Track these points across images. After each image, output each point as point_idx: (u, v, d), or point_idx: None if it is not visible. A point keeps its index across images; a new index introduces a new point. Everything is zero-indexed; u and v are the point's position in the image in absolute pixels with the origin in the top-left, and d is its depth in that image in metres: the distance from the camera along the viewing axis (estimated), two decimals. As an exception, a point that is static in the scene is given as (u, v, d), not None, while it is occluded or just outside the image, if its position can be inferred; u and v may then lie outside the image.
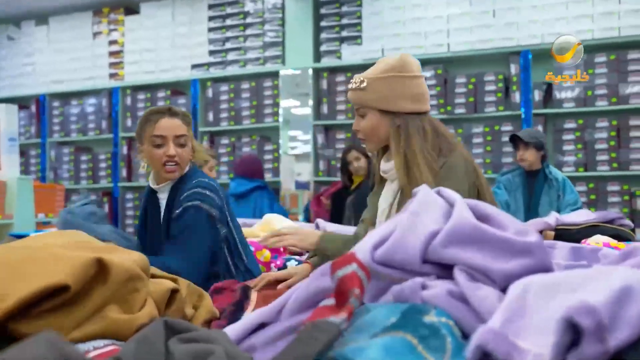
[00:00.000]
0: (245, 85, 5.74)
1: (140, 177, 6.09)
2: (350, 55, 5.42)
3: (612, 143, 4.71)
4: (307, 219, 4.98)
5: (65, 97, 6.52)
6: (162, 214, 2.08)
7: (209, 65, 5.90)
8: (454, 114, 5.11)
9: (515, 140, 3.73)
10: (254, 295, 1.48)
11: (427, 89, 1.84)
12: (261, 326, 1.06)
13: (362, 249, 0.98)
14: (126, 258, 1.13)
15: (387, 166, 1.86)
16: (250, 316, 1.06)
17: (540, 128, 4.83)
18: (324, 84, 5.51)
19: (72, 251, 1.09)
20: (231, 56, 5.83)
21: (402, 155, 1.75)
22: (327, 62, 5.52)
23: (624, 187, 4.66)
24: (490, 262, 0.93)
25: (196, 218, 1.98)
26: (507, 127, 4.97)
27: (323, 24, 5.55)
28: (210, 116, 5.87)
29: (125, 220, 6.12)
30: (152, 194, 2.16)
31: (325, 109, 5.50)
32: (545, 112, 4.89)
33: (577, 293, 0.79)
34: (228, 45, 5.83)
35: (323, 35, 5.54)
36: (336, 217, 4.46)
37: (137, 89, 6.21)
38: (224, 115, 5.83)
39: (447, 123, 5.14)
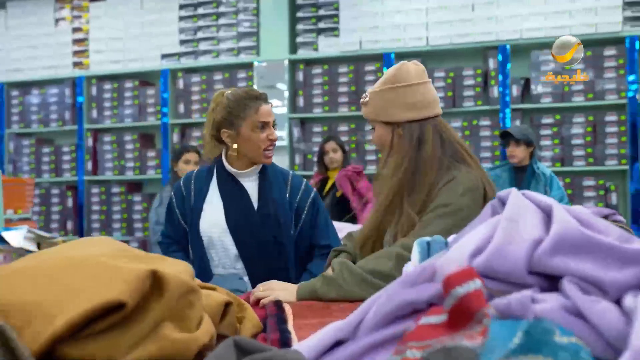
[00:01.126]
0: (218, 77, 5.58)
1: (107, 170, 5.85)
2: (327, 47, 5.33)
3: (588, 139, 4.77)
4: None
5: (25, 86, 6.21)
6: (253, 197, 2.14)
7: (180, 55, 5.71)
8: (432, 108, 5.07)
9: (506, 136, 3.72)
10: (286, 306, 1.38)
11: (432, 94, 1.79)
12: (336, 343, 0.97)
13: (456, 260, 0.89)
14: (179, 269, 1.01)
15: None
16: (325, 333, 0.96)
17: (518, 123, 4.85)
18: (300, 76, 5.39)
19: (122, 262, 0.97)
20: (203, 46, 5.65)
21: (385, 161, 1.79)
22: (303, 53, 5.41)
23: (599, 182, 4.73)
24: (602, 272, 0.86)
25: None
26: (486, 122, 4.97)
27: (299, 14, 5.43)
28: (182, 108, 5.68)
29: (91, 216, 5.87)
30: (225, 178, 2.17)
31: (301, 101, 5.39)
32: (523, 107, 4.92)
33: None
34: (200, 34, 5.65)
35: (299, 27, 5.43)
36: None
37: (103, 78, 5.96)
38: (195, 107, 5.65)
39: (426, 117, 5.10)
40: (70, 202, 5.95)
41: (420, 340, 0.81)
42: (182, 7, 5.70)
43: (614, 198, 4.71)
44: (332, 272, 1.60)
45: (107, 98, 5.87)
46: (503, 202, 1.02)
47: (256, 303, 1.52)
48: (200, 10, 5.65)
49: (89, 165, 5.91)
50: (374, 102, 1.77)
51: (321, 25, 5.37)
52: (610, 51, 4.72)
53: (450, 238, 1.14)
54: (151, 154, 5.76)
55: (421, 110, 1.74)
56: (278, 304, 1.39)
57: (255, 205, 2.13)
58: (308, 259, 2.21)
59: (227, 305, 1.10)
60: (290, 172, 2.27)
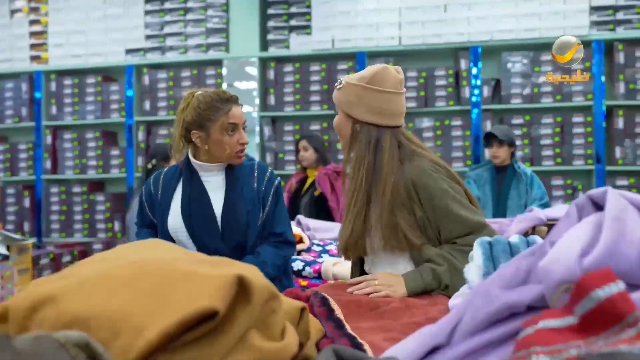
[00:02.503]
0: (185, 73, 5.44)
1: (67, 169, 5.62)
2: (298, 45, 5.27)
3: (557, 139, 4.89)
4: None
5: (-22, 80, 5.89)
6: (219, 192, 2.13)
7: (146, 50, 5.53)
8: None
9: (489, 137, 3.77)
10: (335, 305, 1.33)
11: (399, 106, 1.84)
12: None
13: (564, 260, 0.87)
14: (255, 274, 0.95)
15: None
16: (419, 338, 0.92)
17: (488, 123, 4.93)
18: (271, 74, 5.32)
19: (201, 268, 0.90)
20: (170, 42, 5.50)
21: (348, 158, 1.84)
22: (274, 51, 5.33)
23: (567, 182, 4.85)
24: None
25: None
26: (457, 122, 5.03)
27: (270, 11, 5.36)
28: (147, 105, 5.51)
29: (50, 216, 5.63)
30: (189, 177, 2.15)
31: (272, 100, 5.31)
32: (494, 108, 4.99)
33: None
34: (167, 29, 5.49)
35: (270, 24, 5.35)
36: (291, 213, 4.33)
37: (63, 73, 5.72)
38: (162, 104, 5.50)
39: (398, 117, 5.12)
40: (27, 202, 5.69)
41: (545, 345, 0.78)
42: (147, 0, 5.53)
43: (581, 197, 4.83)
44: (435, 265, 1.60)
45: (67, 94, 5.63)
46: (593, 201, 1.00)
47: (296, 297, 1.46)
48: (167, 5, 5.50)
49: (48, 164, 5.66)
50: (345, 91, 1.80)
51: (293, 22, 5.31)
52: (576, 54, 4.83)
53: (534, 238, 1.12)
54: (114, 152, 5.57)
55: (383, 118, 1.79)
56: (325, 302, 1.33)
57: (222, 201, 2.13)
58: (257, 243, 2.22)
59: (302, 310, 1.04)
60: (256, 160, 2.29)
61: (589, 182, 4.92)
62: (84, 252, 5.40)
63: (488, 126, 4.89)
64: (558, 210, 3.04)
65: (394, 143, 1.79)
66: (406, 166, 1.76)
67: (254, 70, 5.34)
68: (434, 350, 0.93)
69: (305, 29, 5.29)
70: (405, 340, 0.95)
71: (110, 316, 0.82)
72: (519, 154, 4.91)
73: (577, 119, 4.85)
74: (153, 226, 2.25)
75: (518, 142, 4.92)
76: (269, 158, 5.31)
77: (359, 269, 1.90)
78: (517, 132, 4.92)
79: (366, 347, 1.07)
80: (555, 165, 4.87)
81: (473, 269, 1.21)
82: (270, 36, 5.35)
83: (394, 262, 1.76)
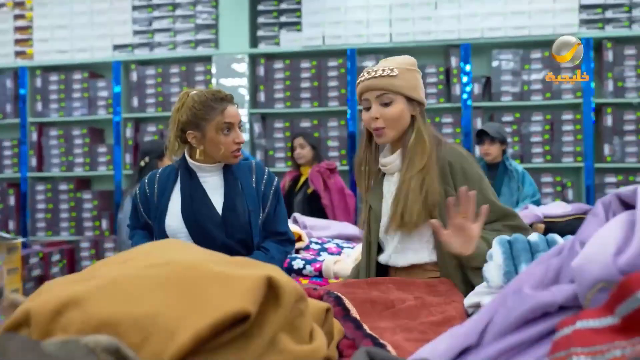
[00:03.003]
0: (174, 70, 5.38)
1: (53, 167, 5.53)
2: (289, 41, 5.24)
3: (546, 136, 4.91)
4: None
5: (-40, 76, 5.77)
6: (218, 192, 2.11)
7: (134, 46, 5.46)
8: (395, 105, 5.08)
9: (481, 134, 3.78)
10: (350, 304, 1.31)
11: None
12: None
13: (599, 259, 0.86)
14: (285, 275, 0.92)
15: (390, 159, 1.90)
16: (451, 338, 0.91)
17: (479, 121, 4.94)
18: (261, 71, 5.28)
19: (229, 269, 0.88)
20: (159, 38, 5.43)
21: (414, 138, 1.84)
22: (264, 48, 5.29)
23: (556, 179, 4.89)
24: None
25: None
26: (448, 119, 5.03)
27: (260, 7, 5.32)
28: (135, 101, 5.44)
29: (36, 215, 5.54)
30: (187, 177, 2.12)
31: (262, 96, 5.28)
32: (484, 105, 5.01)
33: None
34: (156, 25, 5.43)
35: (260, 20, 5.31)
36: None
37: (48, 69, 5.63)
38: (150, 100, 5.43)
39: (388, 114, 5.12)
40: (12, 201, 5.59)
41: (585, 345, 0.77)
42: (135, -4, 5.46)
43: (570, 194, 4.88)
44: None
45: (53, 90, 5.54)
46: (621, 200, 0.99)
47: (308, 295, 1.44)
48: (156, 0, 5.43)
49: (33, 161, 5.57)
50: (404, 77, 1.82)
51: (283, 19, 5.28)
52: (577, 54, 4.86)
53: (552, 237, 1.11)
54: (102, 149, 5.49)
55: (425, 99, 1.92)
56: (340, 302, 1.30)
57: (222, 200, 2.11)
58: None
59: (327, 311, 1.02)
60: (253, 160, 2.30)
61: (578, 179, 4.96)
62: (72, 250, 5.33)
63: (478, 123, 4.90)
64: (554, 207, 3.05)
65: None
66: (441, 148, 1.83)
67: (243, 67, 5.30)
68: (465, 350, 0.92)
69: (296, 25, 5.26)
70: (435, 340, 0.93)
71: (140, 319, 0.79)
72: (509, 151, 4.93)
73: (567, 116, 4.88)
74: (147, 227, 2.21)
75: (508, 140, 4.94)
76: (259, 155, 5.27)
77: (374, 265, 1.85)
78: (507, 129, 4.94)
79: (389, 347, 1.05)
80: (544, 162, 4.90)
81: (493, 268, 1.20)
82: (260, 32, 5.31)
83: (419, 249, 1.76)
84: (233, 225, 2.07)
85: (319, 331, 0.94)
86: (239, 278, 0.85)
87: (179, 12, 5.41)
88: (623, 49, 4.81)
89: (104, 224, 5.44)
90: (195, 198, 2.09)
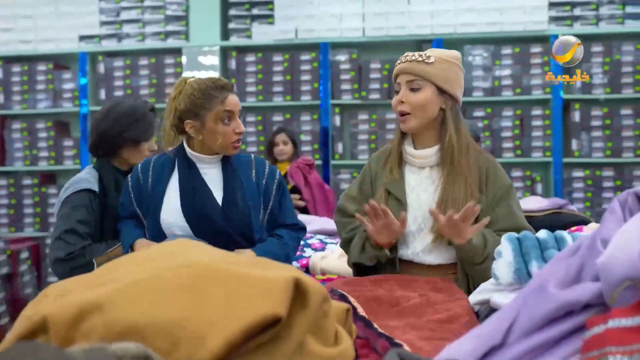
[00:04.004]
0: (143, 62, 5.26)
1: (17, 161, 5.35)
2: (261, 35, 5.18)
3: (516, 131, 4.99)
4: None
5: None
6: (217, 185, 2.05)
7: (101, 37, 5.32)
8: (368, 100, 5.09)
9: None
10: (355, 302, 1.29)
11: None
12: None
13: (626, 257, 0.86)
14: (308, 277, 0.90)
15: (426, 152, 1.88)
16: (476, 338, 0.90)
17: (451, 115, 4.98)
18: (233, 64, 5.21)
19: (253, 270, 0.85)
20: (127, 29, 5.30)
21: (456, 137, 1.85)
22: (236, 40, 5.22)
23: (526, 173, 4.97)
24: None
25: None
26: (420, 114, 5.05)
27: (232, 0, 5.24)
28: (103, 94, 5.31)
29: (-1, 210, 5.36)
30: (185, 168, 2.06)
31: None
32: (456, 100, 5.04)
33: None
34: (124, 16, 5.29)
35: (232, 12, 5.23)
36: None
37: (11, 60, 5.43)
38: (119, 93, 5.29)
39: (361, 108, 5.13)
40: (-29, 196, 5.39)
41: (621, 344, 0.77)
42: (102, -15, 5.31)
43: (539, 188, 4.97)
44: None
45: (16, 82, 5.35)
46: (638, 197, 1.00)
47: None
48: (123, -10, 5.30)
49: (-5, 155, 5.38)
50: (440, 67, 1.81)
51: (255, 11, 5.21)
52: (536, 48, 4.95)
53: (561, 233, 1.12)
54: (68, 143, 5.34)
55: (461, 97, 1.89)
56: (345, 300, 1.29)
57: (221, 194, 2.05)
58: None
59: (347, 311, 1.00)
60: (252, 155, 2.22)
61: (547, 173, 5.05)
62: (37, 247, 5.18)
63: (451, 118, 4.94)
64: (531, 202, 3.10)
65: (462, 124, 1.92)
66: (479, 154, 1.89)
67: (214, 60, 5.21)
68: (490, 350, 0.91)
69: (268, 18, 5.20)
70: (460, 340, 0.93)
71: (167, 325, 0.76)
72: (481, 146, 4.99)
73: (536, 112, 4.96)
74: (135, 217, 2.12)
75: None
76: (230, 149, 5.21)
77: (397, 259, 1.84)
78: (479, 124, 4.99)
79: (406, 347, 1.04)
80: (515, 157, 4.97)
81: (502, 265, 1.20)
82: (231, 25, 5.23)
83: (449, 248, 1.78)
84: (234, 220, 2.02)
85: (344, 333, 0.92)
86: (265, 280, 0.82)
87: (147, 2, 5.29)
88: (590, 46, 4.91)
89: (71, 219, 5.29)
90: (197, 190, 2.02)
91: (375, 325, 1.16)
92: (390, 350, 0.81)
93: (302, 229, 2.18)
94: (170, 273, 0.83)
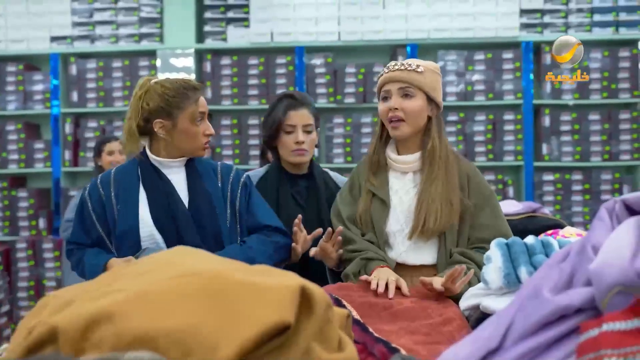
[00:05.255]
0: (117, 64, 5.20)
1: (11, 163, 5.21)
2: (236, 37, 5.17)
3: (489, 136, 5.07)
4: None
5: None
6: (182, 191, 2.02)
7: (73, 38, 5.25)
8: (343, 103, 5.12)
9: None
10: (349, 307, 1.32)
11: None
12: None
13: (617, 263, 0.89)
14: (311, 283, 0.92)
15: (408, 157, 1.95)
16: (473, 342, 0.93)
17: (425, 120, 5.04)
18: (208, 67, 5.19)
19: (258, 278, 0.86)
20: (100, 30, 5.24)
21: (439, 144, 1.93)
22: (211, 43, 5.21)
23: (498, 177, 5.06)
24: None
25: None
26: (395, 118, 5.10)
27: (207, 2, 5.22)
28: (75, 96, 5.23)
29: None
30: (149, 174, 2.02)
31: (209, 93, 5.18)
32: (430, 105, 5.10)
33: None
34: (97, 17, 5.23)
35: (207, 15, 5.21)
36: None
37: (-21, 60, 5.32)
38: (91, 95, 5.23)
39: (337, 112, 5.16)
40: (-58, 200, 5.26)
41: (618, 347, 0.80)
42: (74, -15, 5.24)
43: (511, 192, 5.06)
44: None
45: (-15, 83, 5.25)
46: (626, 205, 1.04)
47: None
48: (96, -9, 5.24)
49: (-33, 158, 5.25)
50: (429, 76, 1.90)
51: (230, 14, 5.21)
52: (508, 54, 5.05)
53: (547, 239, 1.15)
54: (38, 145, 5.25)
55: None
56: (339, 304, 1.31)
57: (186, 200, 2.00)
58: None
59: (347, 317, 1.02)
60: (218, 163, 2.17)
61: (518, 177, 5.15)
62: (7, 251, 5.08)
63: (425, 123, 5.00)
64: (506, 206, 3.13)
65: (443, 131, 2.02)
66: (460, 160, 1.96)
67: (189, 62, 5.19)
68: (486, 354, 0.94)
69: (243, 21, 5.20)
70: (457, 345, 0.95)
71: (178, 334, 0.77)
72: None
73: (508, 116, 5.05)
74: (100, 244, 1.99)
75: (453, 139, 5.07)
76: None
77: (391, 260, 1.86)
78: (452, 128, 5.07)
79: (403, 351, 1.07)
80: (487, 161, 5.06)
81: (492, 270, 1.23)
82: (206, 27, 5.22)
83: (422, 248, 1.82)
84: (205, 227, 1.98)
85: (347, 339, 0.94)
86: (271, 288, 0.83)
87: (121, 4, 5.23)
88: (560, 52, 5.02)
89: (42, 223, 5.21)
90: (168, 198, 1.98)
91: (371, 330, 1.19)
92: (393, 357, 0.84)
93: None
94: (174, 282, 0.84)
